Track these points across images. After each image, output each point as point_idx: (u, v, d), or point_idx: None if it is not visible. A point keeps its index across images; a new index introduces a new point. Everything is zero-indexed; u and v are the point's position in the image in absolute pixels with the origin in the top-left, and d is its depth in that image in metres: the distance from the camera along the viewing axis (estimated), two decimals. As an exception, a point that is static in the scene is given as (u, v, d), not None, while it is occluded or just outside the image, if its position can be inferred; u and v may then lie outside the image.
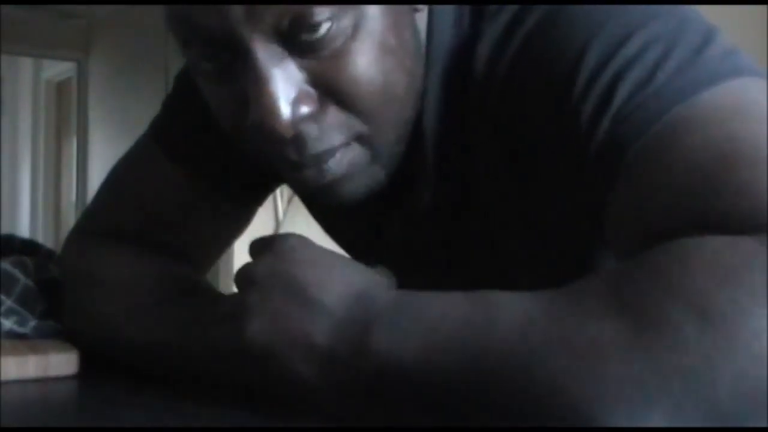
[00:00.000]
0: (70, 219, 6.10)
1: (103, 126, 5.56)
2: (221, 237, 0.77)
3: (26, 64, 6.73)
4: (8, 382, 0.58)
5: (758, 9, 2.22)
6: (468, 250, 0.67)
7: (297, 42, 0.51)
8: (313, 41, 0.51)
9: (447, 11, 0.59)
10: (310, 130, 0.53)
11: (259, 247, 0.52)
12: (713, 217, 0.42)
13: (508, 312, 0.41)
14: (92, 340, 0.65)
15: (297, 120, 0.51)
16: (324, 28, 0.50)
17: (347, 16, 0.51)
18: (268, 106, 0.50)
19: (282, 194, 3.31)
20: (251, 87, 0.51)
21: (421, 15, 0.58)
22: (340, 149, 0.54)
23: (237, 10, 0.49)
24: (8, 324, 0.67)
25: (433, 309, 0.44)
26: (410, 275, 0.74)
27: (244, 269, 0.51)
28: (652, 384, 0.36)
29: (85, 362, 0.62)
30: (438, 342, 0.42)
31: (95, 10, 5.28)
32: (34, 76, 6.76)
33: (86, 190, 5.79)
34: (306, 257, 0.49)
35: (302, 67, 0.52)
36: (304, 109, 0.52)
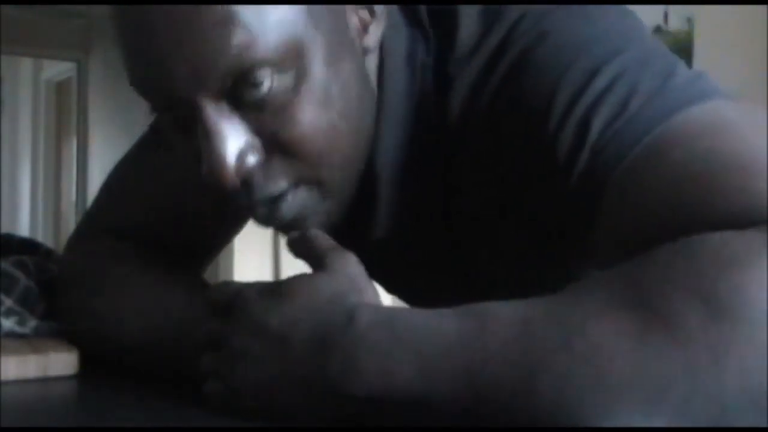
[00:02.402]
0: (70, 219, 6.10)
1: (103, 126, 5.56)
2: (222, 233, 0.78)
3: (26, 64, 6.74)
4: (8, 382, 0.58)
5: (758, 9, 2.22)
6: (443, 277, 0.68)
7: (242, 99, 0.53)
8: (258, 99, 0.53)
9: (398, 50, 0.60)
10: (257, 177, 0.55)
11: (221, 299, 0.52)
12: (708, 221, 0.42)
13: (503, 320, 0.40)
14: (90, 337, 0.65)
15: (243, 171, 0.54)
16: (266, 86, 0.52)
17: (288, 72, 0.53)
18: (215, 160, 0.53)
19: (282, 194, 3.31)
20: (201, 142, 0.54)
21: (372, 57, 0.60)
22: (289, 192, 0.56)
23: (182, 73, 0.52)
24: (8, 324, 0.67)
25: (419, 326, 0.43)
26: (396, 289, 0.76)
27: (215, 332, 0.51)
28: (658, 384, 0.35)
29: (85, 362, 0.62)
30: (430, 360, 0.41)
31: (95, 10, 5.28)
32: (34, 76, 6.76)
33: (86, 190, 5.79)
34: (268, 303, 0.49)
35: (248, 120, 0.54)
36: (250, 160, 0.54)
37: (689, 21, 2.33)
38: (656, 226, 0.44)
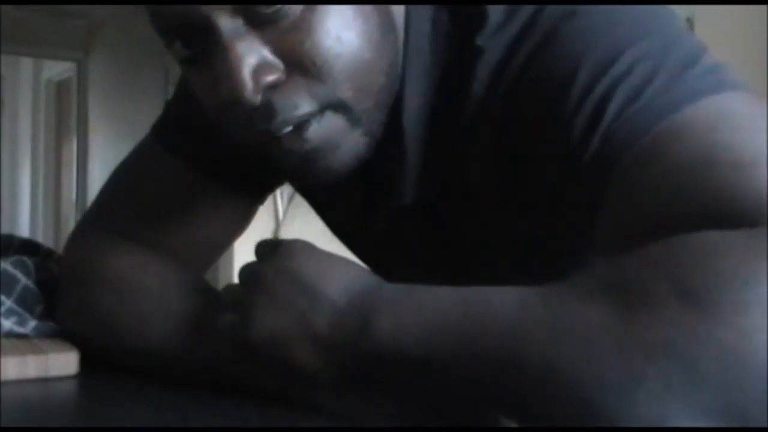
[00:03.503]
0: (70, 219, 6.10)
1: (103, 126, 5.57)
2: (223, 235, 0.78)
3: (26, 64, 6.74)
4: (8, 382, 0.58)
5: (758, 9, 2.22)
6: (453, 249, 0.69)
7: (256, 15, 0.53)
8: (271, 13, 0.52)
9: (423, 13, 0.60)
10: (278, 98, 0.54)
11: (264, 249, 0.55)
12: (705, 216, 0.43)
13: (504, 299, 0.43)
14: (89, 338, 0.65)
15: (262, 87, 0.53)
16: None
17: None
18: (232, 76, 0.52)
19: (282, 194, 3.31)
20: (218, 62, 0.53)
21: (397, 9, 0.60)
22: (315, 117, 0.55)
23: None
24: (8, 324, 0.67)
25: (432, 298, 0.46)
26: (397, 269, 0.76)
27: (250, 268, 0.53)
28: (638, 359, 0.37)
29: (85, 362, 0.62)
30: (437, 327, 0.44)
31: (95, 10, 5.28)
32: (34, 76, 6.76)
33: (86, 190, 5.79)
34: (309, 257, 0.52)
35: (265, 39, 0.53)
36: (269, 78, 0.53)
37: (689, 21, 2.33)
38: (654, 217, 0.45)
